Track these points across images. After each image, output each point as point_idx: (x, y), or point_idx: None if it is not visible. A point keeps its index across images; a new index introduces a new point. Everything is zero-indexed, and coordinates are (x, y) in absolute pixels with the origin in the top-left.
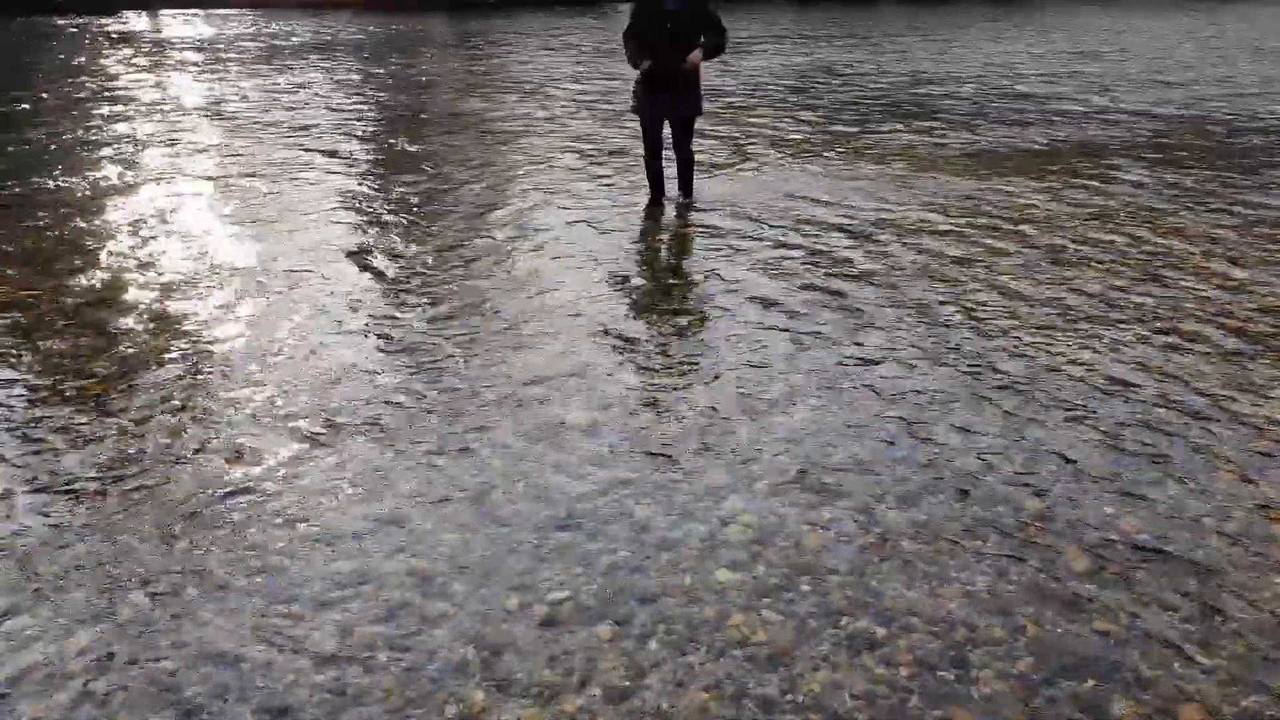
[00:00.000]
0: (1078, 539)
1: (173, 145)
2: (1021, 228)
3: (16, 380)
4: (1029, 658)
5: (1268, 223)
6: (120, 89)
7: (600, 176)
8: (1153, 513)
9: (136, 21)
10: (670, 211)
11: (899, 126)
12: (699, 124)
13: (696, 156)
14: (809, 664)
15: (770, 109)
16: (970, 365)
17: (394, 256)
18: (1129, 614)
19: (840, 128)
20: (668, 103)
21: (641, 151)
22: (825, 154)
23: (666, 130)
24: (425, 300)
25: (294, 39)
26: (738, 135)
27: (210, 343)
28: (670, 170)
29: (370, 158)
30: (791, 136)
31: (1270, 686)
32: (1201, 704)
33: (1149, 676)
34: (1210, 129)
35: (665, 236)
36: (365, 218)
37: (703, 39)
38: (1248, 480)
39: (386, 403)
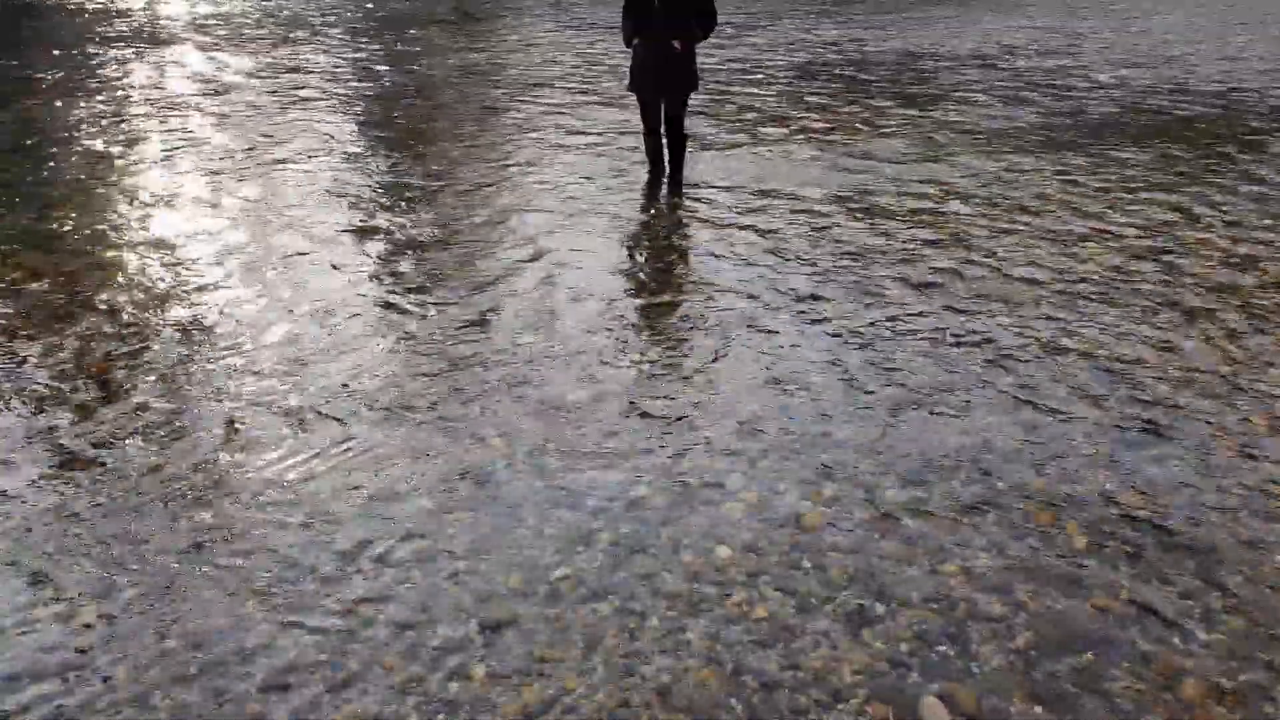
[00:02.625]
0: (1078, 515)
1: (168, 125)
2: (1024, 205)
3: (18, 358)
4: (1028, 633)
5: (1272, 199)
6: (115, 68)
7: (601, 153)
8: (1153, 489)
9: None
10: (663, 188)
11: (900, 104)
12: (701, 102)
13: (698, 132)
14: (809, 640)
15: (772, 86)
16: (972, 343)
17: (392, 236)
18: (1128, 590)
19: (843, 105)
20: (661, 80)
21: (640, 128)
22: (827, 131)
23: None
24: (424, 280)
25: (292, 17)
26: (739, 112)
27: (209, 322)
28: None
29: (368, 136)
30: (793, 114)
31: (1270, 662)
32: (1201, 679)
33: (1148, 652)
34: (1213, 104)
35: (665, 213)
36: (363, 197)
37: (694, 20)
38: (1249, 456)
39: (387, 382)
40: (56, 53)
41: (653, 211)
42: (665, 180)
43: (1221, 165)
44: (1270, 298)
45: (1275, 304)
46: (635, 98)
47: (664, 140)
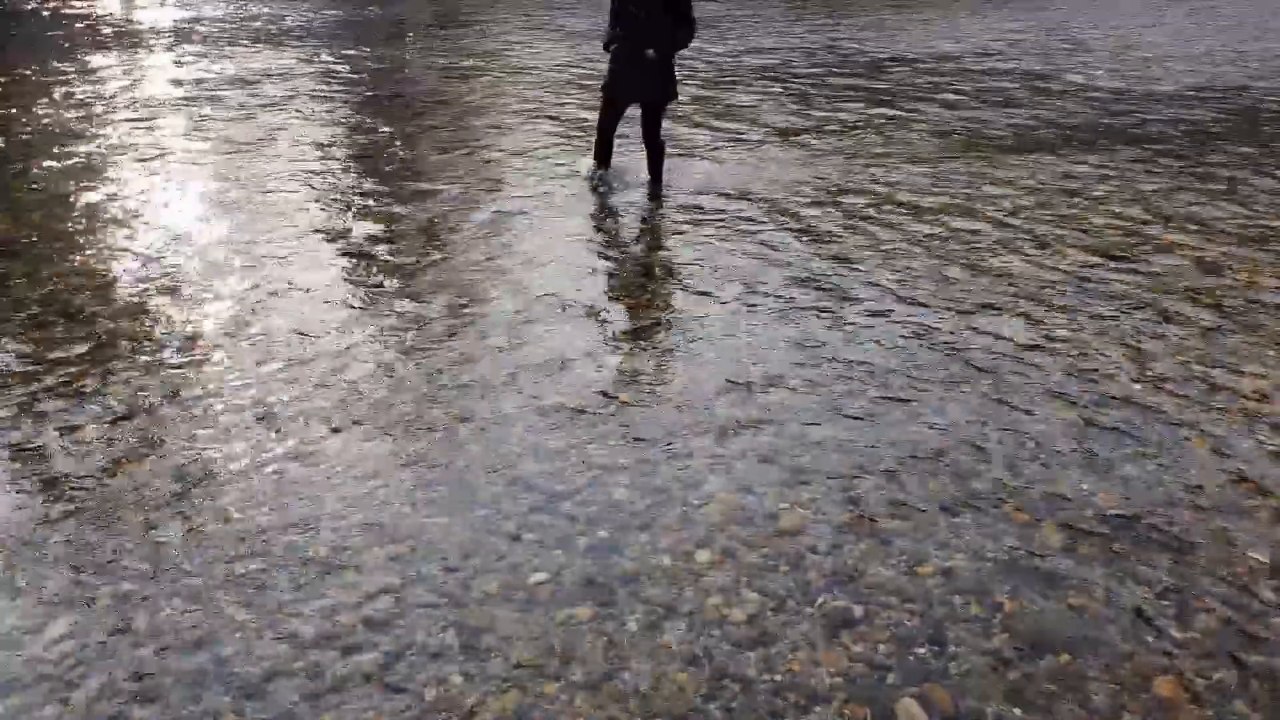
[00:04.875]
0: (1053, 514)
1: (146, 130)
2: (1000, 207)
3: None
4: (1005, 634)
5: (1241, 199)
6: (93, 73)
7: (579, 156)
8: (1128, 488)
9: (109, 4)
10: (642, 196)
11: (876, 106)
12: (682, 106)
13: (689, 137)
14: (787, 643)
15: (749, 89)
16: (948, 344)
17: (372, 240)
18: (1104, 589)
19: (820, 108)
20: (636, 87)
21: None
22: (805, 134)
23: (634, 111)
24: (404, 283)
25: (271, 23)
26: (717, 116)
27: (188, 327)
28: (638, 155)
29: (346, 141)
30: (771, 118)
31: (1244, 660)
32: (1176, 678)
33: (1124, 651)
34: (1188, 107)
35: (638, 216)
36: (341, 202)
37: (673, 29)
38: (1222, 454)
39: (368, 387)
40: (33, 57)
41: (627, 213)
42: (647, 184)
43: (1192, 167)
44: (1242, 298)
45: (1246, 304)
46: (603, 97)
47: (622, 145)
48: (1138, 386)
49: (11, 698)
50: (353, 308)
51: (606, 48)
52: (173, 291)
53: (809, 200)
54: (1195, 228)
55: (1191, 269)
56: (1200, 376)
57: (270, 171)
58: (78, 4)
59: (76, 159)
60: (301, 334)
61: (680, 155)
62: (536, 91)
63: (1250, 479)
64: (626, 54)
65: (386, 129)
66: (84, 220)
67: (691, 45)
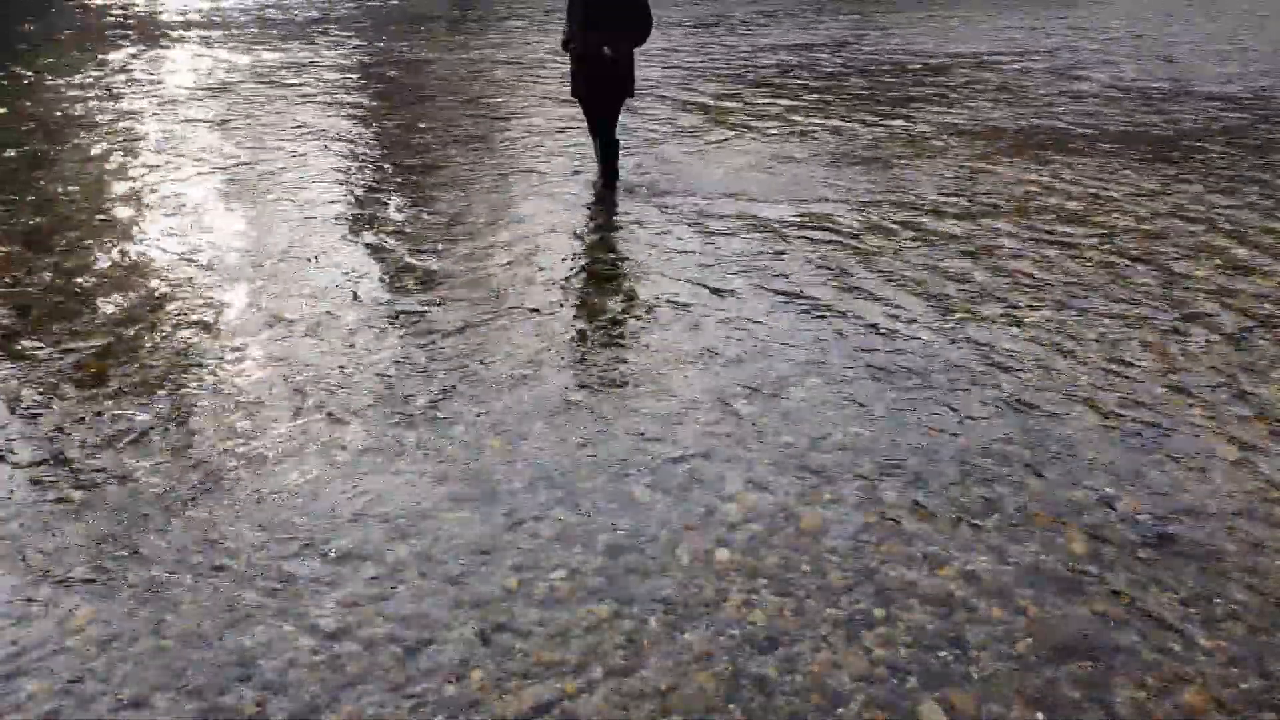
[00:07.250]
0: (1078, 520)
1: (167, 122)
2: (1018, 209)
3: (12, 357)
4: (1028, 639)
5: (1271, 203)
6: (116, 64)
7: (582, 148)
8: (1153, 494)
9: None
10: (601, 186)
11: (873, 104)
12: (695, 100)
13: (676, 125)
14: (809, 644)
15: (737, 87)
16: (970, 344)
17: (385, 233)
18: (1129, 595)
19: (816, 105)
20: (590, 86)
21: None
22: (797, 132)
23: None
24: (420, 275)
25: (292, 14)
26: (704, 112)
27: (207, 316)
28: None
29: (364, 134)
30: (765, 113)
31: (1271, 669)
32: (1202, 686)
33: (1149, 659)
34: (1212, 107)
35: (615, 215)
36: (356, 195)
37: (626, 26)
38: (1249, 461)
39: (379, 377)
40: (57, 48)
41: (606, 213)
42: (602, 182)
43: (1220, 168)
44: (1270, 301)
45: (1276, 307)
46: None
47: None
48: (1163, 390)
49: None
50: (367, 299)
51: (565, 47)
52: (194, 279)
53: (800, 199)
54: (1224, 230)
55: (1220, 271)
56: (1226, 381)
57: (292, 160)
58: None
59: (99, 150)
60: (331, 315)
61: (676, 145)
62: (554, 82)
63: (1278, 485)
64: (578, 52)
65: (406, 119)
66: (106, 211)
67: (709, 41)
